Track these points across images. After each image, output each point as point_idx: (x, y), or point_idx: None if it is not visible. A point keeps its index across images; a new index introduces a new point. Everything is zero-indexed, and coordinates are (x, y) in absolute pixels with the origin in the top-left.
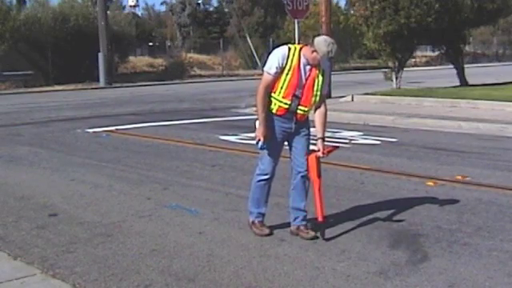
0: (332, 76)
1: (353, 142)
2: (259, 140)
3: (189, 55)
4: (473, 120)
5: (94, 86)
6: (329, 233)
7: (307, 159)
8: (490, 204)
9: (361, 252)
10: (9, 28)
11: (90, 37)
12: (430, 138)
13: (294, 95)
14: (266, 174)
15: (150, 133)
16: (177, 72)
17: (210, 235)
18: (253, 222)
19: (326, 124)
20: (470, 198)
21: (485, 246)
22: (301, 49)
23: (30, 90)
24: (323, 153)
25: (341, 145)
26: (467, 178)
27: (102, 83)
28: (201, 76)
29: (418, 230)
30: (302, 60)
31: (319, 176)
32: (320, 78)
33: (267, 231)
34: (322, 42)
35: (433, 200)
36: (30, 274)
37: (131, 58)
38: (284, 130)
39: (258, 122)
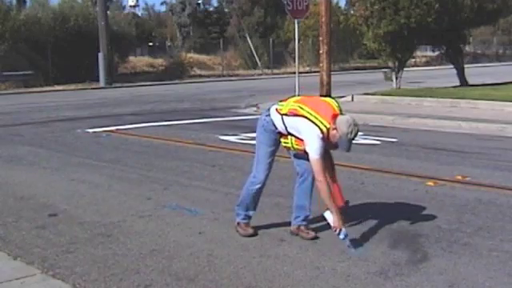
0: (332, 76)
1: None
2: (340, 230)
3: (189, 55)
4: (473, 120)
5: (94, 86)
6: (329, 232)
7: None
8: (489, 204)
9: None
10: (9, 28)
11: (89, 37)
12: (429, 138)
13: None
14: (259, 183)
15: (150, 133)
16: (177, 72)
17: (209, 235)
18: (238, 223)
19: None
20: (470, 198)
21: (485, 245)
22: (330, 127)
23: (30, 90)
24: None
25: None
26: (467, 178)
27: (102, 83)
28: (201, 76)
29: (418, 230)
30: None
31: (333, 167)
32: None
33: (251, 231)
34: (344, 122)
35: (433, 200)
36: (29, 274)
37: (131, 58)
38: (278, 140)
39: (327, 213)
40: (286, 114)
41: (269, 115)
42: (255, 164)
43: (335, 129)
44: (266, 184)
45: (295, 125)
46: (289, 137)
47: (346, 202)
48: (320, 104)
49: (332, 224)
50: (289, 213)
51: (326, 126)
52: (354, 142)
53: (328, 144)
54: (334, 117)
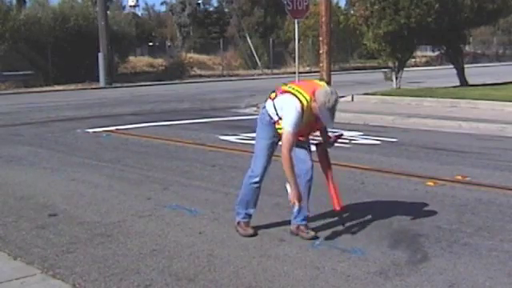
0: (332, 76)
1: (353, 141)
2: (294, 204)
3: (189, 55)
4: (473, 120)
5: (94, 86)
6: (329, 232)
7: (318, 152)
8: (489, 204)
9: (361, 252)
10: (9, 28)
11: (89, 37)
12: (429, 138)
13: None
14: (256, 177)
15: (150, 133)
16: (177, 72)
17: (209, 235)
18: (238, 223)
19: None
20: (470, 198)
21: (485, 246)
22: (310, 99)
23: (30, 90)
24: (333, 139)
25: (341, 144)
26: (467, 178)
27: (102, 83)
28: (201, 76)
29: (418, 230)
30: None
31: (329, 166)
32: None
33: (251, 232)
34: (322, 93)
35: (433, 200)
36: (30, 274)
37: (131, 58)
38: (276, 133)
39: (288, 186)
40: (275, 97)
41: (264, 107)
42: (253, 159)
43: (315, 101)
44: (266, 184)
45: (281, 103)
46: (280, 121)
47: (343, 208)
48: (305, 82)
49: (289, 197)
50: (289, 213)
51: (306, 99)
52: (354, 141)
53: (315, 120)
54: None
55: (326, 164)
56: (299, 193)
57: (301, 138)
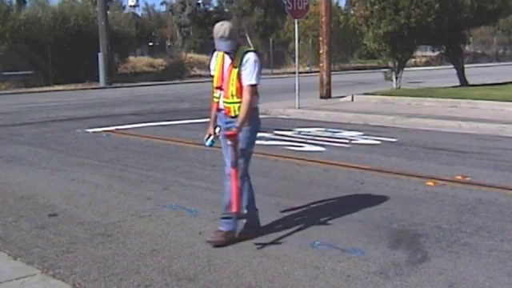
0: (332, 76)
1: (353, 141)
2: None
3: (189, 55)
4: (473, 120)
5: (94, 86)
6: (329, 233)
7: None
8: (489, 204)
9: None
10: (9, 28)
11: (89, 37)
12: (429, 138)
13: (220, 88)
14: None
15: (150, 133)
16: (177, 72)
17: (209, 235)
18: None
19: (244, 114)
20: (470, 198)
21: (485, 246)
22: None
23: (30, 90)
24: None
25: (341, 144)
26: (467, 178)
27: (102, 83)
28: (201, 76)
29: (418, 230)
30: (226, 56)
31: (234, 166)
32: (235, 69)
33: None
34: (216, 26)
35: (433, 200)
36: (30, 273)
37: (131, 58)
38: (223, 127)
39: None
40: None
41: None
42: None
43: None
44: (266, 184)
45: None
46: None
47: (238, 210)
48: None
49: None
50: (289, 213)
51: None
52: (354, 141)
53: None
54: None
55: (231, 161)
56: (209, 128)
57: (224, 97)
